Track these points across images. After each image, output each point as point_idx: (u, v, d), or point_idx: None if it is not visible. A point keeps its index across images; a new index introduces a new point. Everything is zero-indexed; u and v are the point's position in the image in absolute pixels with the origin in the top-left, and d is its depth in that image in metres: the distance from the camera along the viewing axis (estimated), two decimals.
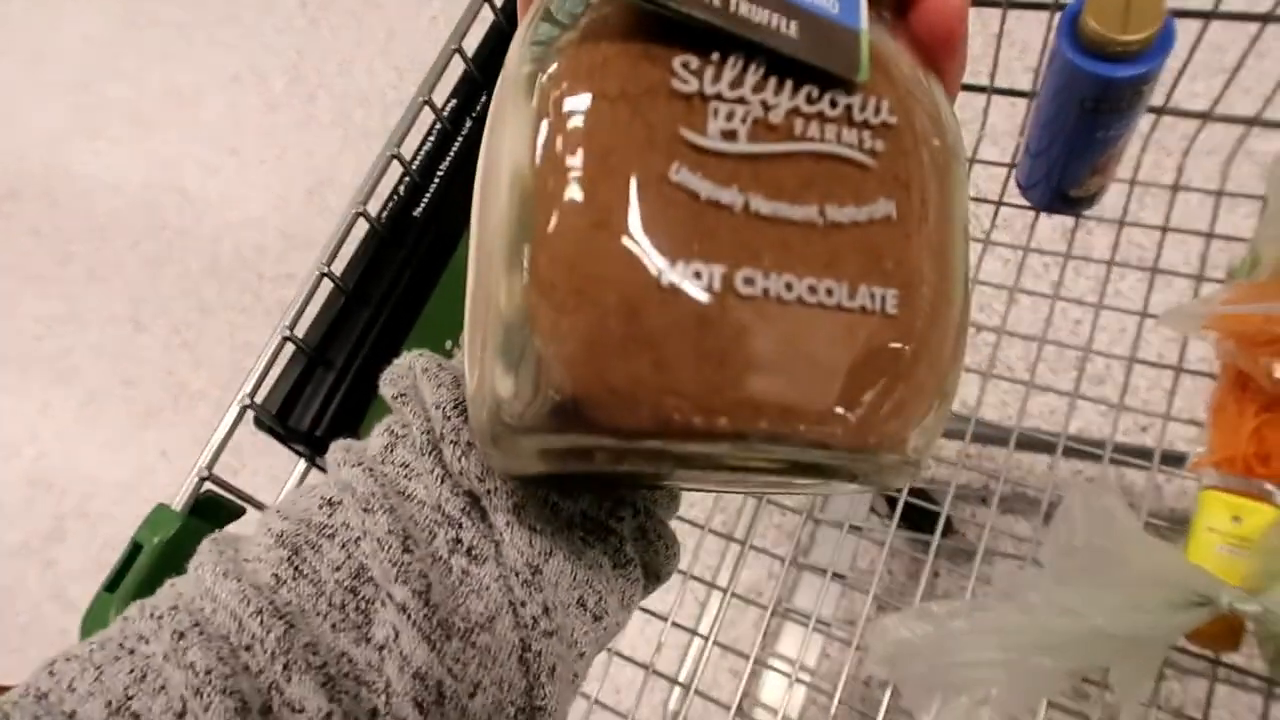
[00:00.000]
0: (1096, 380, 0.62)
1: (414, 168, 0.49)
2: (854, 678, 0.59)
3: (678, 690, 0.69)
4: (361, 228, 0.47)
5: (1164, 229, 0.62)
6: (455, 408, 0.25)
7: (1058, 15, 0.56)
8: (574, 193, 0.18)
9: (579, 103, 0.19)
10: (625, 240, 0.18)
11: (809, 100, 0.20)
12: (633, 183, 0.18)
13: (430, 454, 0.24)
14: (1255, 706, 0.51)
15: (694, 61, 0.19)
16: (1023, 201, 0.65)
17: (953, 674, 0.51)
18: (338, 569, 0.23)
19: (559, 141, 0.19)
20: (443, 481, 0.24)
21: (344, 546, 0.23)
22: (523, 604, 0.23)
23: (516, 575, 0.23)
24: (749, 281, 0.18)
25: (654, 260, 0.18)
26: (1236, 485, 0.52)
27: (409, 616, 0.22)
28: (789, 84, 0.20)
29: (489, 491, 0.24)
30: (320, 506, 0.24)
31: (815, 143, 0.20)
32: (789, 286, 0.19)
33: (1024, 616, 0.49)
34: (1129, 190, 0.64)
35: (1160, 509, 0.59)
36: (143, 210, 1.49)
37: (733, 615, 0.85)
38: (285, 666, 0.21)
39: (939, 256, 0.21)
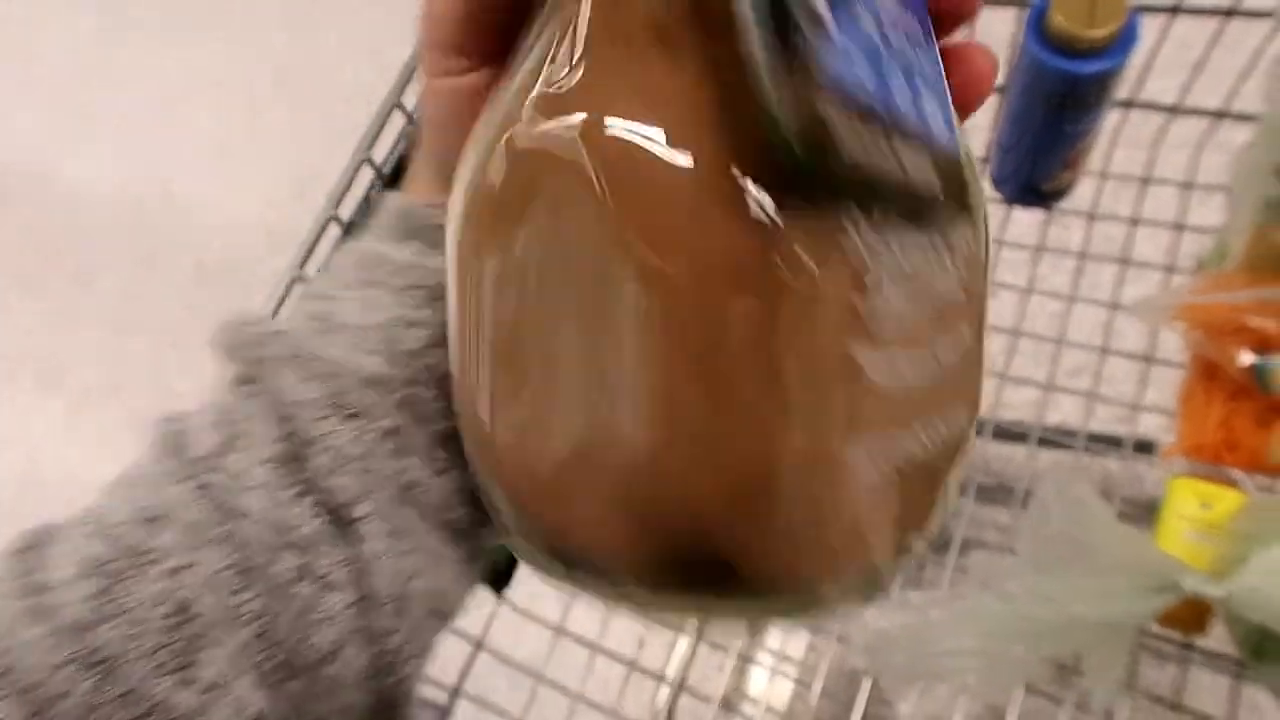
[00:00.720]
0: (1074, 372, 0.63)
1: (384, 171, 0.50)
2: (836, 669, 0.60)
3: (664, 687, 0.70)
4: (336, 231, 0.47)
5: (1134, 221, 0.63)
6: (330, 407, 0.22)
7: (1025, 12, 0.57)
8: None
9: None
10: None
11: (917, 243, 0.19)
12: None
13: (283, 466, 0.22)
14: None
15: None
16: (995, 195, 0.65)
17: (931, 663, 0.52)
18: (158, 604, 0.20)
19: None
20: (298, 498, 0.21)
21: (166, 577, 0.20)
22: (390, 632, 0.22)
23: (383, 606, 0.22)
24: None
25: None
26: (1205, 472, 0.53)
27: (246, 658, 0.20)
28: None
29: (364, 516, 0.22)
30: (140, 522, 0.21)
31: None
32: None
33: (1000, 605, 0.50)
34: (1099, 183, 0.65)
35: (1140, 497, 0.60)
36: (129, 212, 1.49)
37: None
38: None
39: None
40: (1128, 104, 0.62)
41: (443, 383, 0.23)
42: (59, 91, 1.63)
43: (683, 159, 0.17)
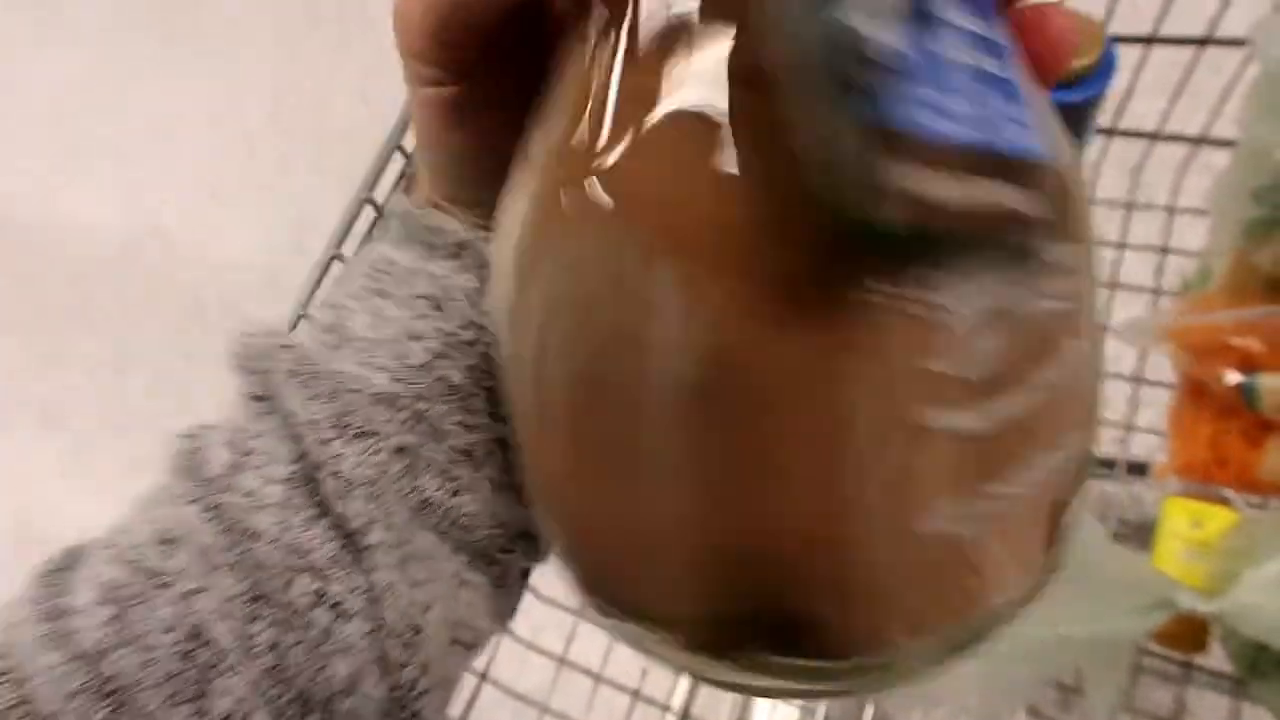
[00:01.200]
0: None
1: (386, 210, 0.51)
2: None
3: (669, 716, 0.70)
4: (340, 270, 0.48)
5: (1121, 245, 0.64)
6: (337, 427, 0.22)
7: None
8: None
9: None
10: None
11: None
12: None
13: (296, 487, 0.21)
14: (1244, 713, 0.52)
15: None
16: None
17: (929, 687, 0.52)
18: (170, 630, 0.20)
19: None
20: (312, 522, 0.21)
21: (178, 601, 0.20)
22: (402, 665, 0.21)
23: (397, 637, 0.21)
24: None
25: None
26: (1196, 491, 0.54)
27: (261, 689, 0.20)
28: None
29: (375, 544, 0.21)
30: (155, 544, 0.21)
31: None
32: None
33: None
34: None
35: (1137, 519, 0.61)
36: (125, 252, 1.50)
37: None
38: None
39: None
40: (1110, 131, 0.64)
41: (456, 395, 0.23)
42: (53, 130, 1.64)
43: (742, 228, 0.16)
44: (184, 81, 1.64)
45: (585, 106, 0.18)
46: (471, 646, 0.24)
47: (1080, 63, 0.54)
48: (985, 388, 0.17)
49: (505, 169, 0.23)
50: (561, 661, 0.57)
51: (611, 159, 0.17)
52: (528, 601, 0.55)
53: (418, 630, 0.21)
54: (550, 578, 0.61)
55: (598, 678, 0.57)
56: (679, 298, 0.16)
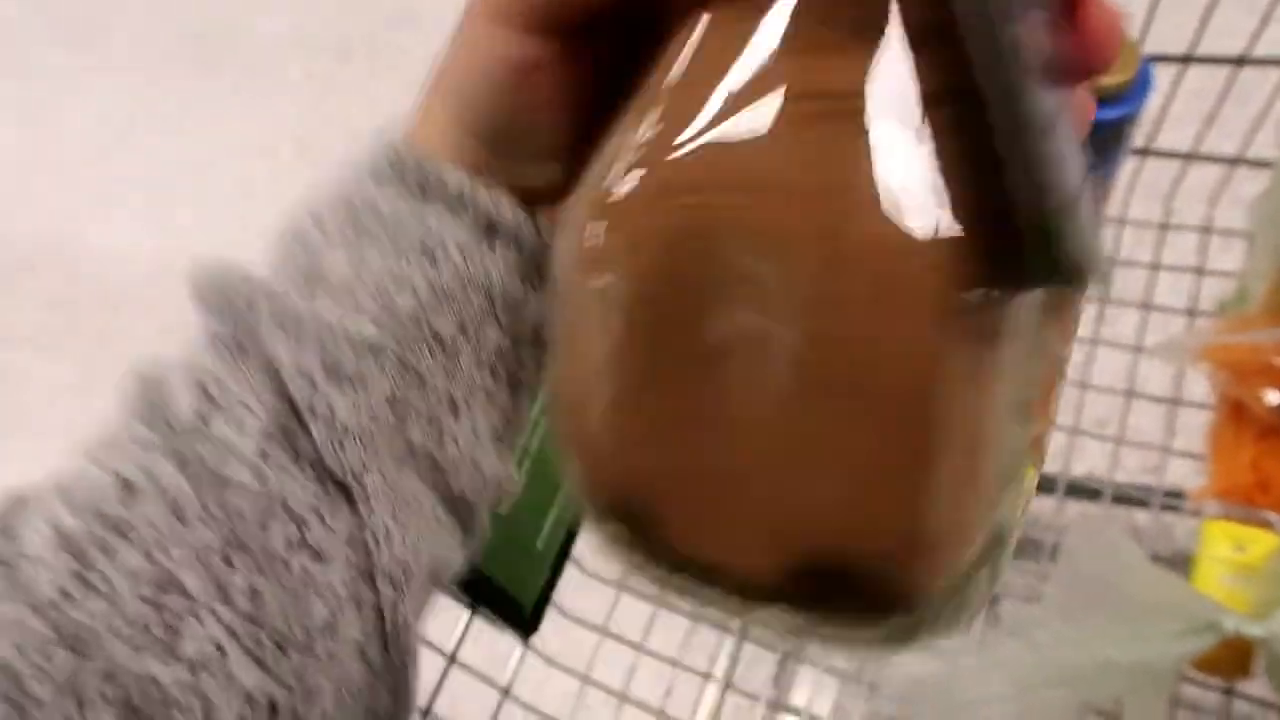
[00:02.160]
0: (1100, 423, 0.63)
1: None
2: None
3: None
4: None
5: (1155, 267, 0.64)
6: (329, 372, 0.21)
7: None
8: None
9: None
10: None
11: None
12: None
13: (277, 435, 0.21)
14: None
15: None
16: None
17: (962, 711, 0.51)
18: (136, 576, 0.20)
19: None
20: (292, 468, 0.21)
21: (146, 552, 0.20)
22: (390, 604, 0.22)
23: (390, 579, 0.22)
24: None
25: None
26: (1238, 514, 0.52)
27: (236, 639, 0.20)
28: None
29: (367, 488, 0.21)
30: (116, 491, 0.20)
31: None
32: None
33: (1030, 653, 0.49)
34: (1119, 230, 0.65)
35: (1172, 550, 0.60)
36: (154, 280, 1.52)
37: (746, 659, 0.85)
38: (79, 704, 0.19)
39: None
40: (1144, 151, 0.63)
41: (442, 347, 0.23)
42: (89, 162, 1.67)
43: (891, 227, 0.17)
44: (217, 115, 1.67)
45: (687, 90, 0.19)
46: (442, 584, 0.24)
47: (1115, 80, 0.53)
48: (1023, 395, 0.20)
49: (558, 146, 0.23)
50: (585, 680, 0.56)
51: (747, 140, 0.18)
52: (551, 618, 0.54)
53: (406, 569, 0.22)
54: (575, 595, 0.60)
55: (622, 697, 0.56)
56: (819, 287, 0.18)
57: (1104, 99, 0.54)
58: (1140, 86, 0.54)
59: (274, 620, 0.20)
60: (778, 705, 0.69)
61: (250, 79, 1.69)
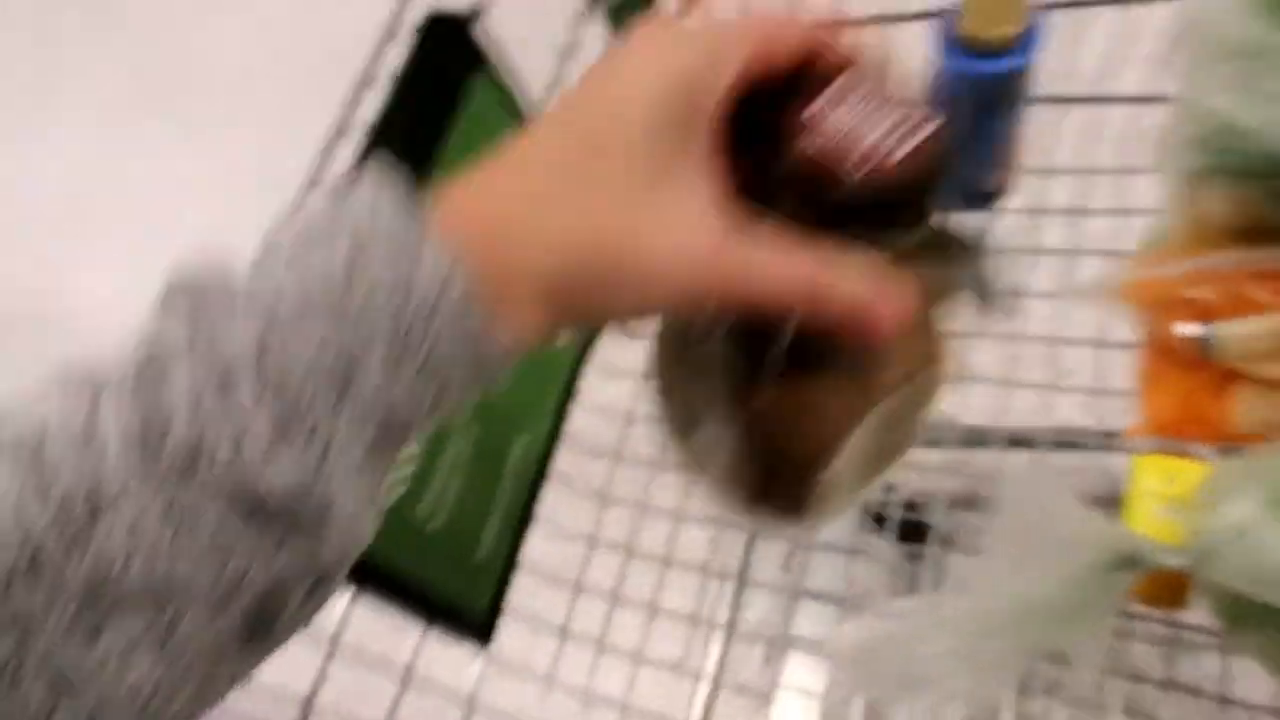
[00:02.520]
0: (1032, 371, 0.64)
1: None
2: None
3: None
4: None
5: (1076, 211, 0.64)
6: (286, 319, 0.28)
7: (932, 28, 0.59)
8: None
9: None
10: None
11: None
12: None
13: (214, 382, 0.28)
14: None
15: None
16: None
17: (915, 669, 0.51)
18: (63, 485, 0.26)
19: None
20: (249, 403, 0.27)
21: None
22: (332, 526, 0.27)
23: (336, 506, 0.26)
24: None
25: None
26: (1169, 448, 0.53)
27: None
28: None
29: (320, 419, 0.26)
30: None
31: None
32: None
33: (973, 603, 0.50)
34: (1040, 180, 0.66)
35: (1107, 490, 0.60)
36: (137, 321, 1.53)
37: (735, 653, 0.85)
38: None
39: None
40: (1055, 99, 0.64)
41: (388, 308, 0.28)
42: (61, 210, 1.68)
43: None
44: (200, 144, 1.67)
45: None
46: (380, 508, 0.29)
47: (1003, 33, 0.54)
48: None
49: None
50: (548, 680, 0.57)
51: None
52: (509, 620, 0.55)
53: (372, 497, 0.28)
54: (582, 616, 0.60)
55: (624, 707, 0.57)
56: None
57: (993, 52, 0.54)
58: (1029, 39, 0.54)
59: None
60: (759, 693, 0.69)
61: (229, 112, 1.69)
